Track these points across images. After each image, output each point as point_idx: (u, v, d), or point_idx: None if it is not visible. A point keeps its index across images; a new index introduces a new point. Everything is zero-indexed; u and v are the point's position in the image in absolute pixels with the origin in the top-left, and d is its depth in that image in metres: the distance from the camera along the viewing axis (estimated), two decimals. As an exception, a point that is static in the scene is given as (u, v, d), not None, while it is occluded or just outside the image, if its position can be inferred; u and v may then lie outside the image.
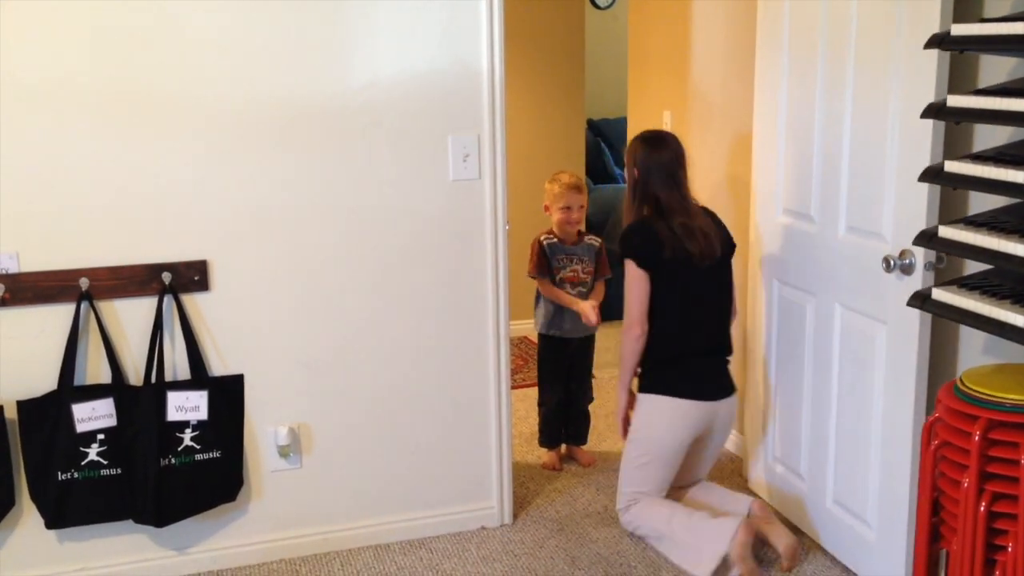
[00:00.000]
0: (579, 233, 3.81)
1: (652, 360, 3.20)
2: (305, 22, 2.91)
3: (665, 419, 3.16)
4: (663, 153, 3.15)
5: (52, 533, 2.91)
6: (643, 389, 3.22)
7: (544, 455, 3.94)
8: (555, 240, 3.78)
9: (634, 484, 3.26)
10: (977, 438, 2.08)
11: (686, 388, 3.14)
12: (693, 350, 3.18)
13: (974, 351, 2.64)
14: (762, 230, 3.36)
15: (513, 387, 3.39)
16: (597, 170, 6.80)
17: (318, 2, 2.91)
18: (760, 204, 3.37)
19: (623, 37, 7.78)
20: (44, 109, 2.73)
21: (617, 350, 5.08)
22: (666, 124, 4.37)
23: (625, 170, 3.25)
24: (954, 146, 2.56)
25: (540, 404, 3.90)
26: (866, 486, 2.89)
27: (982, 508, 2.10)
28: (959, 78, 2.52)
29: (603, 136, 7.43)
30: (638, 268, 3.13)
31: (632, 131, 4.78)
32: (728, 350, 3.26)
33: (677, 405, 3.13)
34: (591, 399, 3.98)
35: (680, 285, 3.14)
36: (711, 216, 3.23)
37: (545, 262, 3.76)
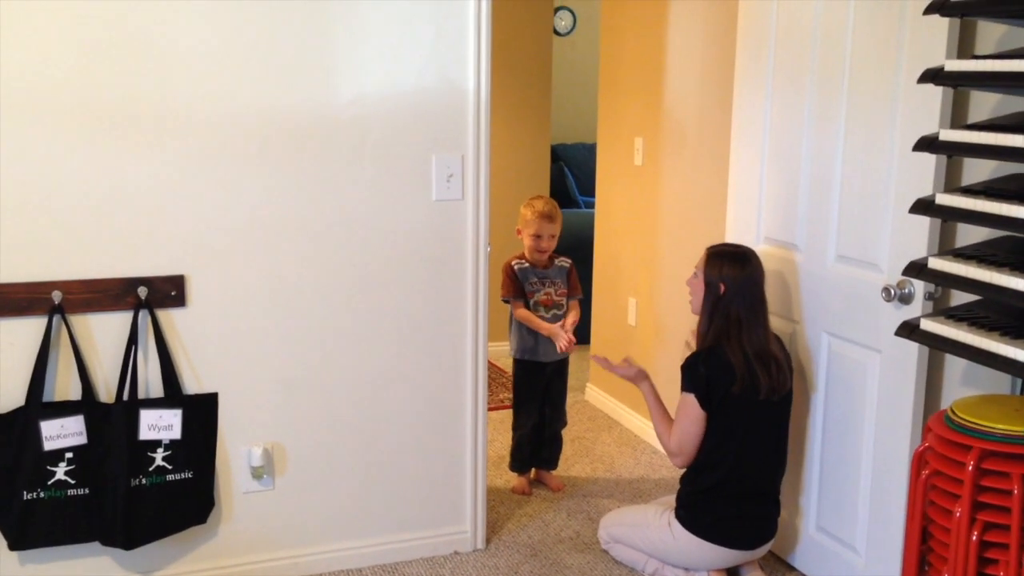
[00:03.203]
0: (550, 257, 3.81)
1: (695, 491, 3.02)
2: (290, 37, 2.88)
3: (693, 556, 3.02)
4: (753, 270, 2.95)
5: (14, 554, 2.80)
6: (680, 519, 3.02)
7: (514, 479, 3.91)
8: (526, 264, 3.77)
9: (624, 541, 3.22)
10: (971, 468, 2.11)
11: (724, 535, 2.96)
12: (741, 490, 2.97)
13: (954, 382, 2.68)
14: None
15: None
16: (560, 195, 6.83)
17: (304, 17, 2.87)
18: (736, 231, 3.39)
19: (582, 63, 7.89)
20: (19, 118, 2.65)
21: (584, 373, 5.11)
22: (637, 150, 4.40)
23: (694, 281, 3.03)
24: (953, 179, 2.60)
25: (515, 428, 3.87)
26: (855, 513, 2.91)
27: (974, 537, 2.12)
28: (957, 111, 2.57)
29: (564, 161, 7.47)
30: (699, 407, 2.94)
31: (602, 158, 4.81)
32: (777, 499, 3.05)
33: (709, 548, 2.97)
34: (565, 423, 3.96)
35: (743, 420, 2.94)
36: (780, 342, 3.05)
37: (518, 285, 3.75)
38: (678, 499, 3.11)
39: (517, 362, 3.84)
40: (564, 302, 3.80)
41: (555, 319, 3.75)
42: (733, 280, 2.92)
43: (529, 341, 3.76)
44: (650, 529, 3.12)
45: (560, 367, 3.86)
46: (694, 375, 2.94)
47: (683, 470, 3.11)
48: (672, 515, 3.07)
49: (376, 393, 3.15)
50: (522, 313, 3.74)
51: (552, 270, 3.80)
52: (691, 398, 2.94)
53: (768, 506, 3.05)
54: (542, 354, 3.77)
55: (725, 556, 3.00)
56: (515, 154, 5.72)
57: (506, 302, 3.79)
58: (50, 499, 2.74)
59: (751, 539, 3.01)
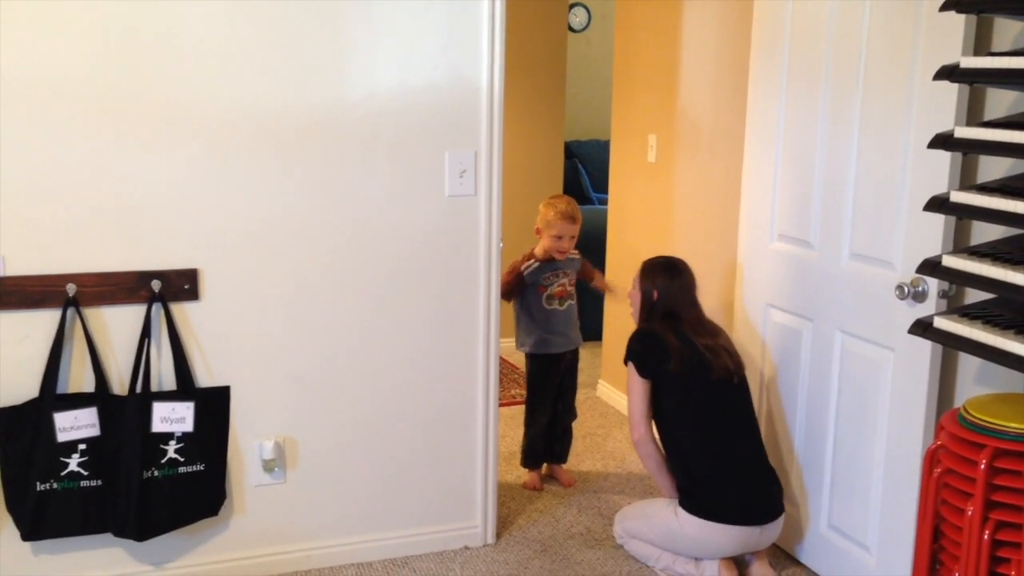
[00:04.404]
0: None
1: (686, 477, 3.12)
2: (304, 33, 2.88)
3: (700, 541, 3.06)
4: (683, 279, 3.23)
5: (27, 545, 2.82)
6: (684, 506, 3.09)
7: (525, 475, 3.91)
8: (536, 265, 3.75)
9: (636, 534, 3.24)
10: (983, 466, 2.10)
11: (727, 512, 3.01)
12: (728, 467, 3.08)
13: (967, 380, 2.67)
14: (752, 255, 3.37)
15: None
16: (574, 192, 6.82)
17: (318, 15, 2.88)
18: (749, 229, 3.38)
19: (596, 60, 7.88)
20: (36, 111, 2.67)
21: (596, 369, 5.12)
22: (651, 148, 4.39)
23: (632, 293, 3.32)
24: (968, 177, 2.59)
25: (528, 425, 3.87)
26: (867, 511, 2.90)
27: (986, 536, 2.11)
28: (972, 109, 2.55)
29: (578, 158, 7.47)
30: (637, 375, 3.18)
31: (616, 155, 4.81)
32: (772, 476, 3.13)
33: (714, 529, 3.01)
34: (575, 416, 3.97)
35: (698, 401, 3.12)
36: (727, 338, 3.25)
37: (516, 290, 3.75)
38: (679, 489, 3.15)
39: (531, 357, 3.83)
40: (574, 292, 3.82)
41: (569, 310, 3.78)
42: (665, 288, 3.21)
43: (543, 336, 3.76)
44: (658, 519, 3.15)
45: (572, 361, 3.87)
46: (629, 349, 3.23)
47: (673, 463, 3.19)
48: (678, 504, 3.10)
49: (388, 388, 3.16)
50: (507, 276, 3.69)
51: (564, 262, 3.79)
52: (631, 366, 3.21)
53: (765, 481, 3.09)
54: (556, 345, 3.78)
55: (732, 537, 3.01)
56: (529, 151, 5.72)
57: (507, 291, 3.73)
58: (63, 490, 2.76)
59: (754, 514, 3.03)
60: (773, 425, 3.32)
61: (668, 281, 3.21)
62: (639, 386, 3.18)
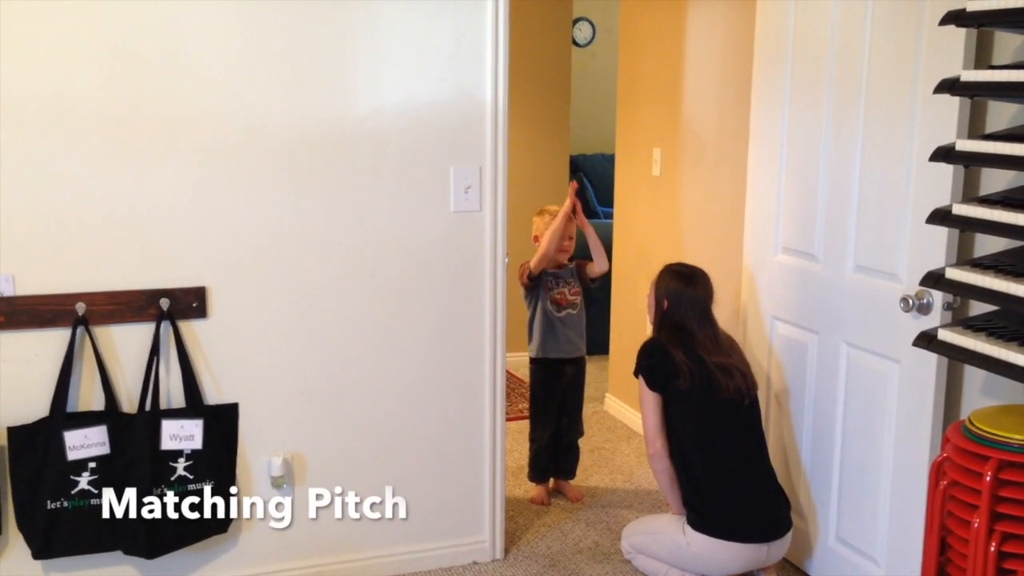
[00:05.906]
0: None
1: (693, 494, 3.11)
2: (311, 52, 2.91)
3: (707, 558, 3.05)
4: (697, 290, 3.16)
5: (38, 563, 2.83)
6: (691, 523, 3.08)
7: (532, 489, 3.92)
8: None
9: (644, 550, 3.24)
10: (988, 478, 2.10)
11: (734, 529, 3.01)
12: (733, 488, 3.06)
13: (973, 392, 2.67)
14: (757, 268, 3.38)
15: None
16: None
17: (325, 32, 2.91)
18: (754, 241, 3.40)
19: (601, 74, 7.91)
20: (44, 130, 2.70)
21: (603, 384, 5.12)
22: (655, 161, 4.41)
23: (648, 297, 3.27)
24: (972, 189, 2.59)
25: (533, 440, 3.88)
26: (875, 524, 2.90)
27: (992, 548, 2.11)
28: (974, 122, 2.56)
29: (583, 172, 7.49)
30: (648, 388, 3.16)
31: (621, 169, 4.82)
32: (781, 496, 3.12)
33: (722, 547, 3.01)
34: (581, 433, 3.97)
35: (706, 419, 3.09)
36: (741, 354, 3.21)
37: (533, 283, 3.79)
38: (686, 505, 3.14)
39: (535, 362, 3.85)
40: (578, 302, 3.83)
41: (567, 317, 3.79)
42: (676, 296, 3.16)
43: (547, 339, 3.78)
44: (666, 536, 3.14)
45: (578, 372, 3.88)
46: (638, 363, 3.20)
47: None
48: (686, 520, 3.10)
49: (395, 403, 3.17)
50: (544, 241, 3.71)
51: (564, 271, 3.82)
52: (641, 380, 3.19)
53: (772, 499, 3.08)
54: (557, 350, 3.80)
55: (739, 554, 3.01)
56: (535, 165, 5.74)
57: (532, 281, 3.76)
58: (74, 508, 2.77)
59: (761, 532, 3.02)
60: (781, 438, 3.32)
61: (680, 290, 3.16)
62: (651, 400, 3.15)
